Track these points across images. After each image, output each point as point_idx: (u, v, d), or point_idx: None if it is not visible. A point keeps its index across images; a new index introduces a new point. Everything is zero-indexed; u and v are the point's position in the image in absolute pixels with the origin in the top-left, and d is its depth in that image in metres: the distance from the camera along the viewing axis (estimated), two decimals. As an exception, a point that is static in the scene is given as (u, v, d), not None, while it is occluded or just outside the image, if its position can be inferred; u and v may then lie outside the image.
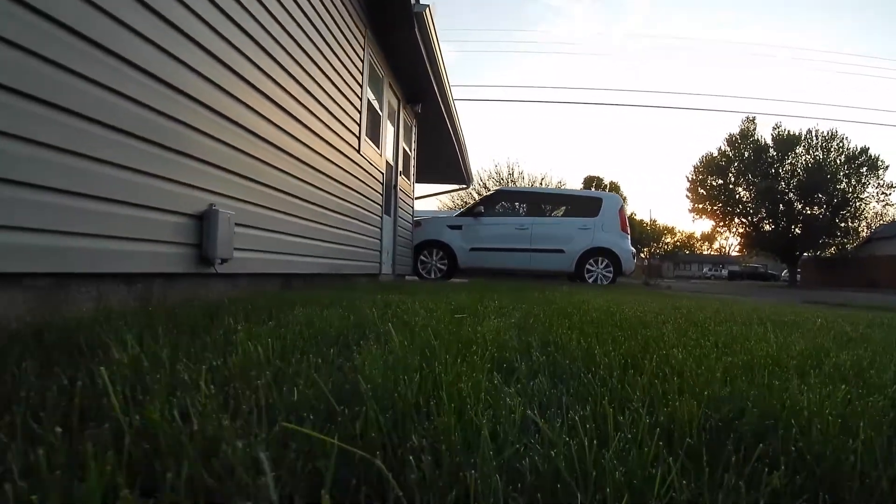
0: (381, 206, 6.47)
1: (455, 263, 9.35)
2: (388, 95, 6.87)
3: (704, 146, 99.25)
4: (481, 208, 9.88)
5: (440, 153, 10.70)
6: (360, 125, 5.40)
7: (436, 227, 9.49)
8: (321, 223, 4.39)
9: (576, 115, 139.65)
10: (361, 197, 5.55)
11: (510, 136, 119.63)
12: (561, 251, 9.29)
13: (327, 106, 4.47)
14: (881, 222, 31.98)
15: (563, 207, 10.21)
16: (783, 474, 0.73)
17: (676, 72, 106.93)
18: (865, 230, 31.95)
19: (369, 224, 5.93)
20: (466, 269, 9.52)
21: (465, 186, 15.47)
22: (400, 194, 7.56)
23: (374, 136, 6.31)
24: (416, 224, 9.36)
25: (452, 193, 27.43)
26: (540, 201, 10.27)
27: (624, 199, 10.05)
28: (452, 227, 9.51)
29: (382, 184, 6.47)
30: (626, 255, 9.35)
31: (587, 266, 9.25)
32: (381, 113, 6.41)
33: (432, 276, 9.35)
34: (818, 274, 33.32)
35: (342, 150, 4.90)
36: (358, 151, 5.38)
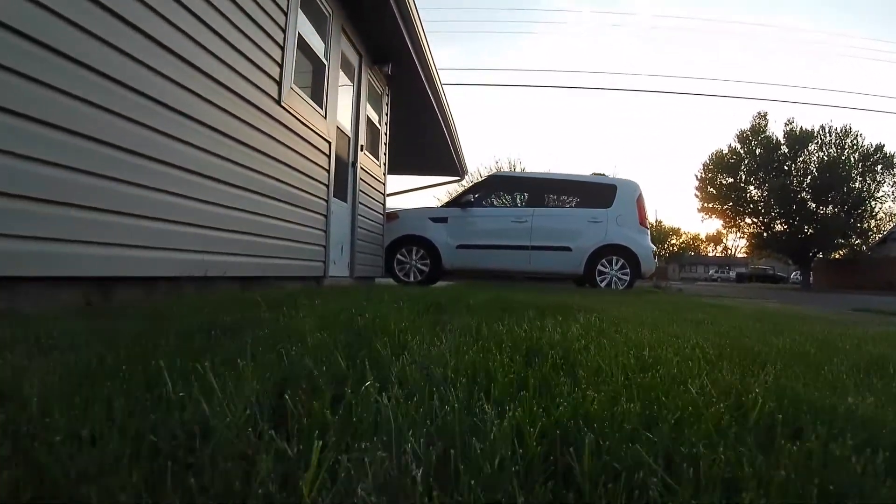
0: (328, 187, 4.82)
1: (439, 264, 7.66)
2: (343, 46, 5.25)
3: (712, 145, 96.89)
4: (471, 197, 8.15)
5: (426, 136, 9.03)
6: (281, 67, 3.77)
7: (416, 220, 7.80)
8: (185, 196, 2.75)
9: (582, 109, 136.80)
10: (285, 168, 3.90)
11: (512, 132, 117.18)
12: (567, 249, 7.59)
13: (204, 17, 2.86)
14: (892, 222, 30.48)
15: (571, 196, 8.50)
16: None
17: (685, 59, 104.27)
18: (876, 231, 30.41)
19: (303, 208, 4.29)
20: (453, 271, 7.85)
21: (458, 179, 13.81)
22: (362, 174, 5.90)
23: (316, 90, 4.68)
24: (392, 216, 7.71)
25: (449, 188, 25.66)
26: (543, 189, 8.46)
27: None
28: (436, 220, 7.81)
29: (329, 156, 4.83)
30: (646, 253, 7.66)
31: (599, 267, 7.54)
32: (325, 62, 4.76)
33: (411, 278, 7.68)
34: (831, 276, 31.60)
35: (244, 93, 3.27)
36: (278, 103, 3.75)
